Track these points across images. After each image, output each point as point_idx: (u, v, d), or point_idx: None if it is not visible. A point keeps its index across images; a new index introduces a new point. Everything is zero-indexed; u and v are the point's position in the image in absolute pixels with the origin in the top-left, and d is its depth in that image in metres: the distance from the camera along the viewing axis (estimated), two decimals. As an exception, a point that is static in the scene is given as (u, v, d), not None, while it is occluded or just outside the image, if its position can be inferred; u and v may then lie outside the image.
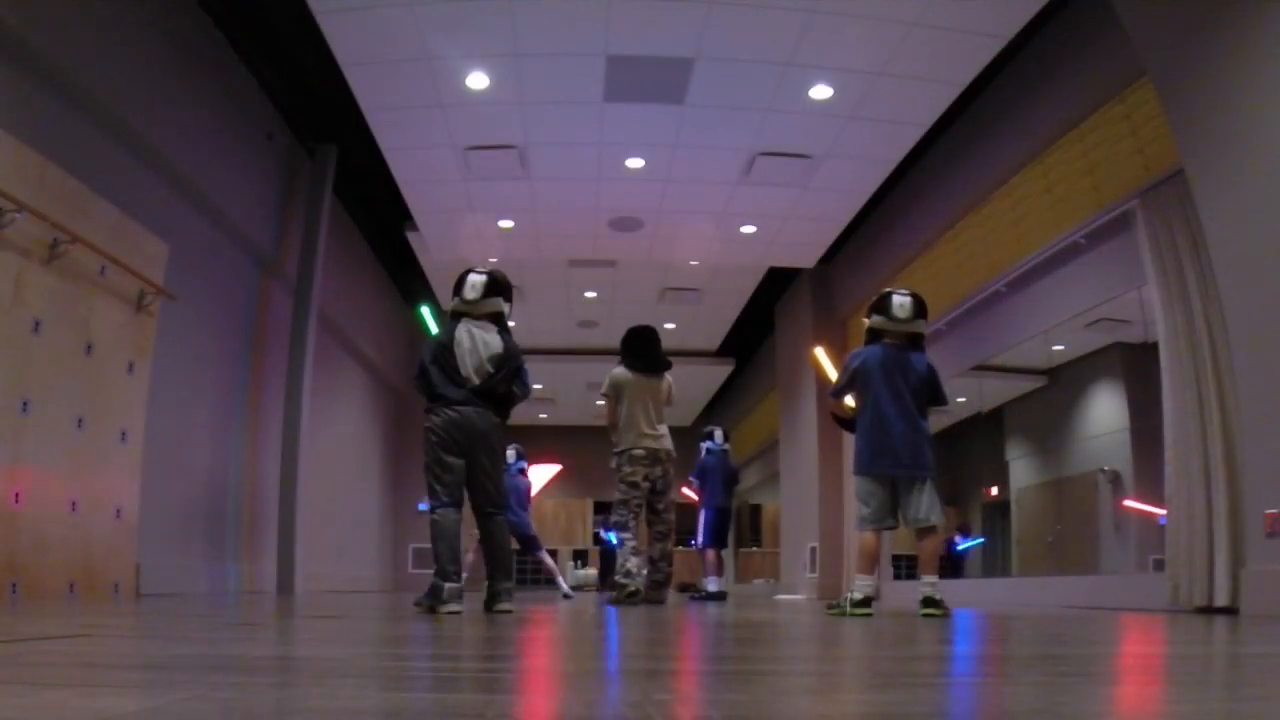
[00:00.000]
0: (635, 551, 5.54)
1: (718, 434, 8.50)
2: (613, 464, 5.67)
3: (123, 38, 5.42)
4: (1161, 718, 1.10)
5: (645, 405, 5.66)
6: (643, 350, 5.78)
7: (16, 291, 4.31)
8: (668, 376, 5.87)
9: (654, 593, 5.70)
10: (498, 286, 4.17)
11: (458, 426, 3.98)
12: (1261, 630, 2.95)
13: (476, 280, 4.16)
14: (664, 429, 5.73)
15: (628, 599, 5.42)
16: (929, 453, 4.12)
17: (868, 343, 4.32)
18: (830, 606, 4.44)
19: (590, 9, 5.56)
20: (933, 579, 3.95)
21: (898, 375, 4.14)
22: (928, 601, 3.88)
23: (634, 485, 5.60)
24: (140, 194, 5.65)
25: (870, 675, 1.66)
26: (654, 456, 5.63)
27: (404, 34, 5.77)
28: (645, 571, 5.67)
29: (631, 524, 5.58)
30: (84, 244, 4.73)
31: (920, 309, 4.26)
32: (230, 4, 6.44)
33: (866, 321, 4.35)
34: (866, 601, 4.09)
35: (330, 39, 5.84)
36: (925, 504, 4.05)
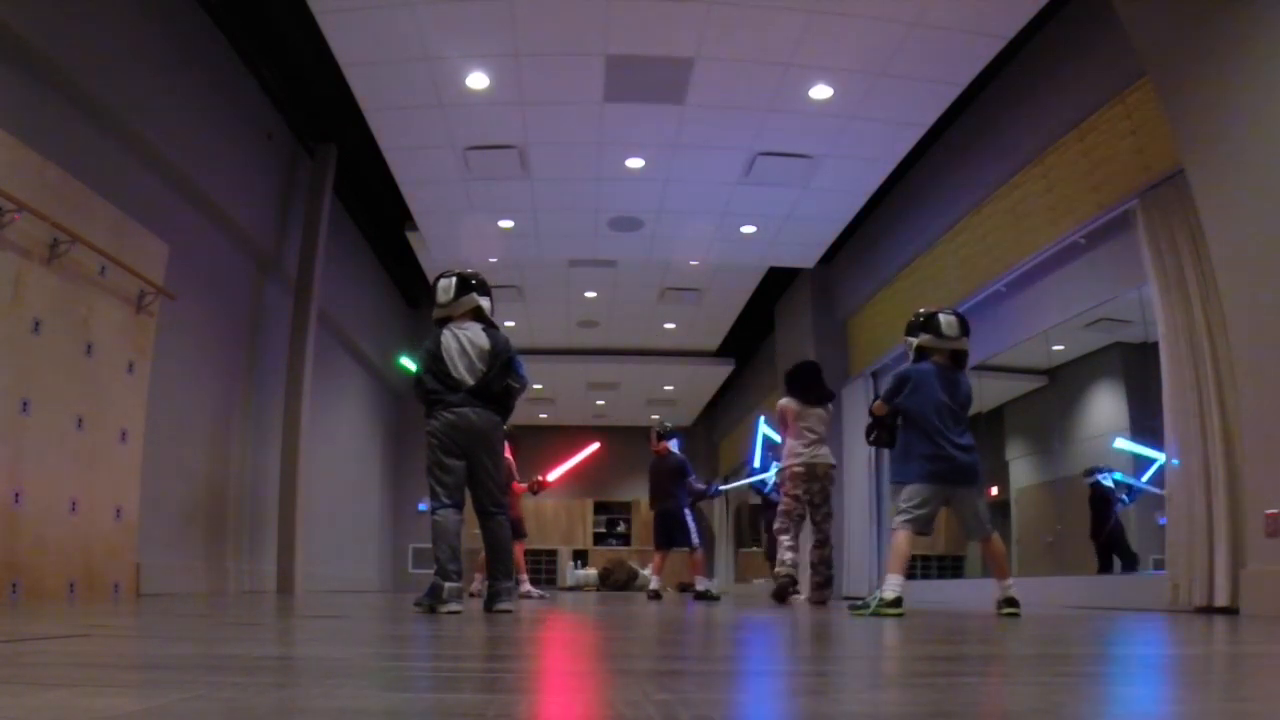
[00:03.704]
0: (792, 549, 6.20)
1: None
2: (777, 479, 6.48)
3: (123, 37, 5.42)
4: (1161, 718, 1.10)
5: (808, 428, 6.26)
6: (808, 383, 6.38)
7: (16, 291, 4.31)
8: (830, 406, 6.52)
9: (815, 594, 6.24)
10: (468, 285, 4.22)
11: (456, 428, 3.99)
12: (1261, 630, 2.95)
13: (446, 284, 4.23)
14: (824, 448, 6.26)
15: (785, 582, 6.09)
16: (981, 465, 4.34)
17: (915, 361, 4.46)
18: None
19: (590, 9, 5.56)
20: (1010, 581, 4.14)
21: (951, 391, 4.29)
22: (1009, 602, 4.07)
23: (795, 499, 6.19)
24: (140, 194, 5.64)
25: (870, 675, 1.66)
26: (811, 472, 6.15)
27: (404, 34, 5.77)
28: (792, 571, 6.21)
29: (792, 530, 6.21)
30: (84, 244, 4.72)
31: (965, 327, 4.44)
32: (230, 4, 6.43)
33: (913, 340, 4.48)
34: (898, 601, 4.06)
35: (330, 39, 5.84)
36: (984, 514, 4.28)
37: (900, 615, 3.99)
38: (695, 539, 7.82)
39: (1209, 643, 2.52)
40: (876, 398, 4.60)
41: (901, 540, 4.21)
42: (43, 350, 4.50)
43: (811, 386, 6.30)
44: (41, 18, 4.60)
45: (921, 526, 4.22)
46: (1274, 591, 3.83)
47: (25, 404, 4.35)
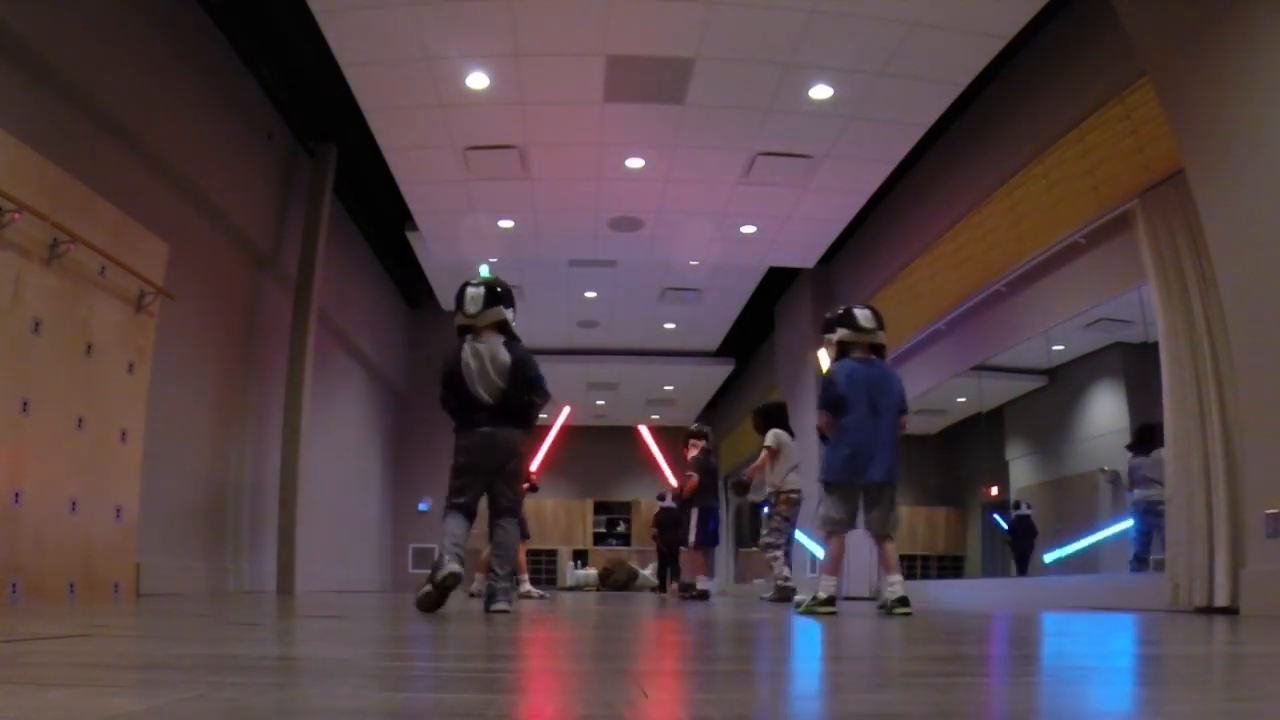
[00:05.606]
0: (786, 564, 6.98)
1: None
2: (771, 501, 6.97)
3: (122, 38, 5.42)
4: (1161, 718, 1.10)
5: (796, 459, 7.04)
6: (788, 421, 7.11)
7: (16, 291, 4.31)
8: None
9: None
10: (497, 295, 4.19)
11: (482, 448, 4.05)
12: (1261, 630, 2.95)
13: (475, 293, 4.17)
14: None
15: (789, 590, 6.55)
16: (898, 465, 4.38)
17: (836, 358, 4.54)
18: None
19: (590, 9, 5.56)
20: (899, 578, 4.19)
21: (874, 388, 4.37)
22: (901, 601, 4.10)
23: (787, 519, 6.81)
24: (140, 194, 5.64)
25: (870, 675, 1.66)
26: (801, 497, 6.83)
27: (404, 34, 5.77)
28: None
29: (783, 544, 6.89)
30: (84, 244, 4.72)
31: (880, 320, 4.55)
32: (230, 4, 6.43)
33: (832, 337, 4.57)
34: (830, 601, 4.25)
35: (330, 39, 5.84)
36: (891, 517, 4.35)
37: (833, 614, 4.17)
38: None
39: (1209, 643, 2.52)
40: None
41: (834, 545, 4.39)
42: (43, 350, 4.50)
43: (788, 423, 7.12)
44: (41, 18, 4.60)
45: (844, 528, 4.36)
46: (1274, 591, 3.83)
47: (25, 404, 4.35)
